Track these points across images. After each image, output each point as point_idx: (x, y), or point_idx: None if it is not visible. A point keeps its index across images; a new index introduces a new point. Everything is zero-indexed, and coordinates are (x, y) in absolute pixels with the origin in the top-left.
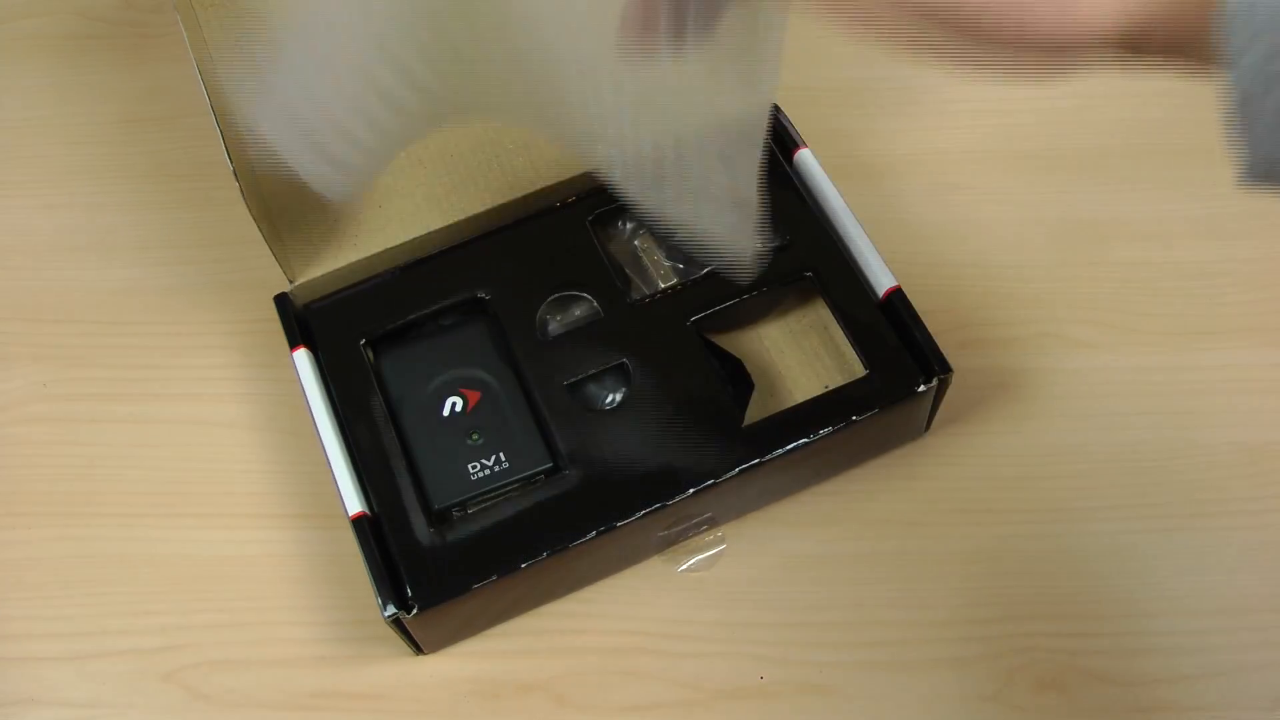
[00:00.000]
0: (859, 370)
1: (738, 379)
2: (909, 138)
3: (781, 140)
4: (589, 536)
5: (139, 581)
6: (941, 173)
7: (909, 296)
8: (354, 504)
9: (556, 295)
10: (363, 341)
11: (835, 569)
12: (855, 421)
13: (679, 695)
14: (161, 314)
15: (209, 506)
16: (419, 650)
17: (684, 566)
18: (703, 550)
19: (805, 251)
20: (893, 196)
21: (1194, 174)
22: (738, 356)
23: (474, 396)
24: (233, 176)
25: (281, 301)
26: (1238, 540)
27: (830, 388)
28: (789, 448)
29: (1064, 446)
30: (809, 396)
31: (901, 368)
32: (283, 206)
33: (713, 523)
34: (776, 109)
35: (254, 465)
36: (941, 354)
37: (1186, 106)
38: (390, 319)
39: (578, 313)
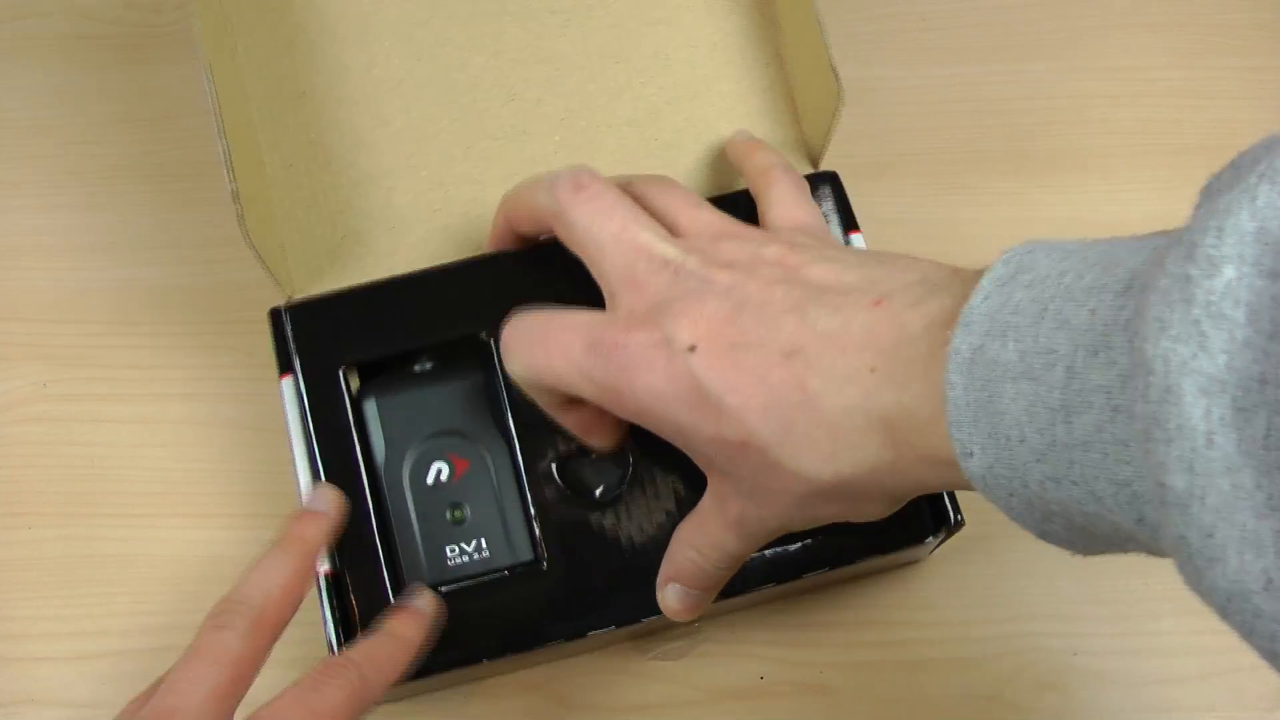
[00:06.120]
0: None
1: None
2: (909, 137)
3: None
4: (553, 644)
5: (139, 581)
6: (941, 173)
7: None
8: (323, 562)
9: None
10: (343, 368)
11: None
12: (857, 562)
13: (679, 695)
14: (161, 314)
15: (209, 506)
16: None
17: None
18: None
19: None
20: (893, 196)
21: (1195, 174)
22: None
23: (462, 466)
24: (232, 199)
25: (276, 318)
26: None
27: None
28: (785, 583)
29: None
30: None
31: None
32: (288, 215)
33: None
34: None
35: (254, 465)
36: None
37: (1188, 107)
38: (378, 344)
39: None
